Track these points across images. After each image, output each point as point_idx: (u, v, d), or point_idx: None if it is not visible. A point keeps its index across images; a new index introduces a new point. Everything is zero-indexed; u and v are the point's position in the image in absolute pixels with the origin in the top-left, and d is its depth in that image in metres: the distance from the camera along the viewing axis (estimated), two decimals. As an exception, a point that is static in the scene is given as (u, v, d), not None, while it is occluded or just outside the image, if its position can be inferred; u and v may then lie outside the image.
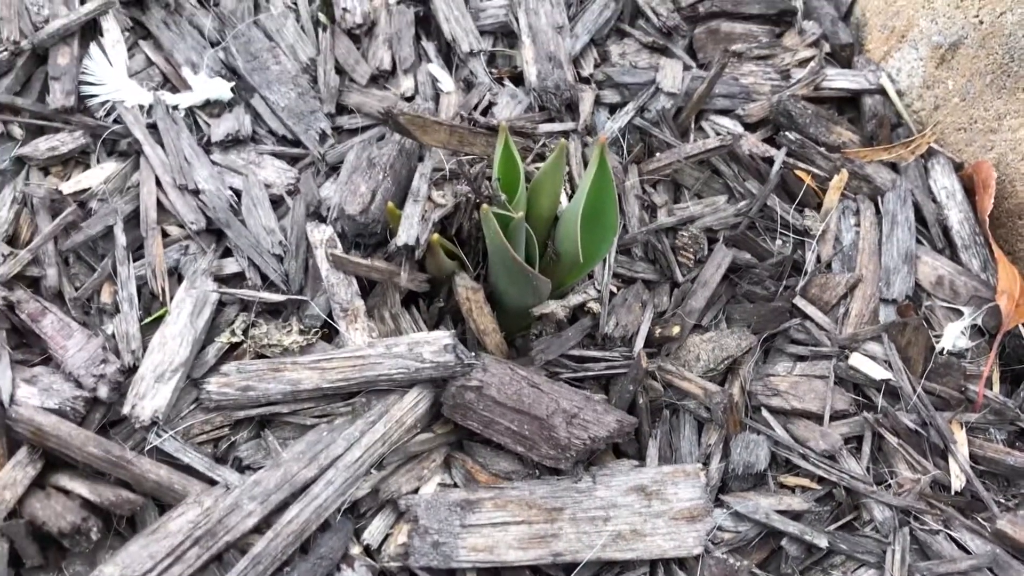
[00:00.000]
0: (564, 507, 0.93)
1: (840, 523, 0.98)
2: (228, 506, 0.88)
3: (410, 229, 0.96)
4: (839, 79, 1.24)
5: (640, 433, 1.01)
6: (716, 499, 0.98)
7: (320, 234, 1.01)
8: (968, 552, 0.95)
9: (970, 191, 1.16)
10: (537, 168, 1.08)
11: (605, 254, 1.01)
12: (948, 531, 0.96)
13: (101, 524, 0.86)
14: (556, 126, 1.14)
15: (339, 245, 1.00)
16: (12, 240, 1.01)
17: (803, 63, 1.26)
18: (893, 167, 1.19)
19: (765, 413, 1.03)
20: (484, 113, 1.15)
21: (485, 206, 0.88)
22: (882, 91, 1.24)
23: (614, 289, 1.08)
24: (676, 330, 1.05)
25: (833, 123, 1.19)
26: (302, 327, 0.99)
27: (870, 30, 1.29)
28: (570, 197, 1.09)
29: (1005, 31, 1.09)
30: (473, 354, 0.98)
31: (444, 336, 0.95)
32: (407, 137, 1.03)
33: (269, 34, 1.20)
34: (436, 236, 0.93)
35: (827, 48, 1.29)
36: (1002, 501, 1.00)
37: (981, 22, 1.12)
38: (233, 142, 1.11)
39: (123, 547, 0.86)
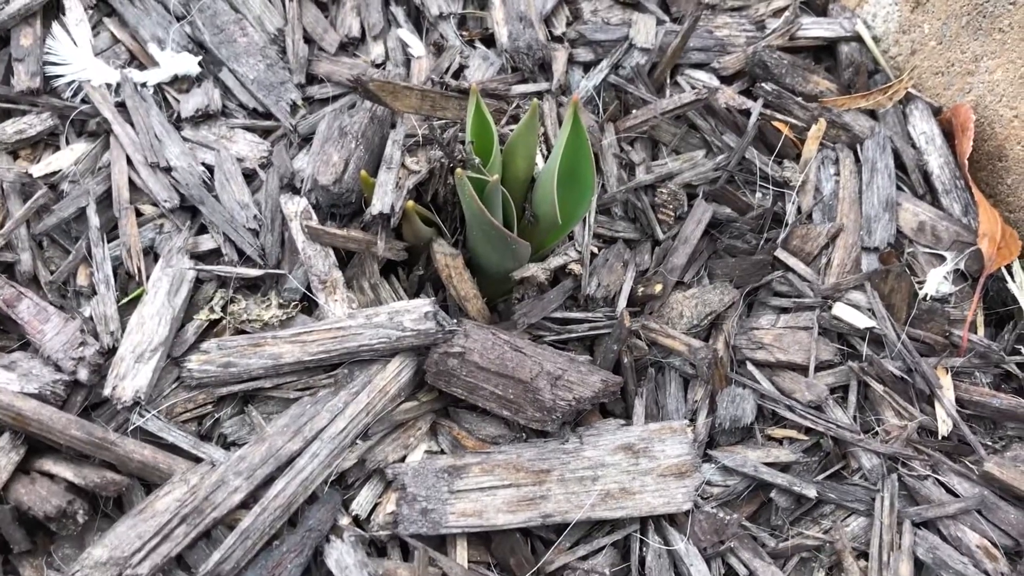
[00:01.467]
0: (552, 468, 0.93)
1: (828, 473, 0.98)
2: (214, 483, 0.88)
3: (384, 197, 0.95)
4: (814, 28, 1.22)
5: (626, 392, 1.01)
6: (704, 454, 0.98)
7: (294, 206, 1.00)
8: (956, 496, 0.95)
9: (949, 135, 1.15)
10: (512, 130, 1.06)
11: (583, 214, 1.00)
12: (936, 476, 0.97)
13: (87, 507, 0.86)
14: (530, 87, 1.13)
15: (314, 216, 0.99)
16: (-17, 226, 1.00)
17: (778, 13, 1.25)
18: (872, 114, 1.18)
19: (750, 366, 1.03)
20: (456, 76, 1.13)
21: (459, 170, 0.87)
22: (858, 38, 1.22)
23: (595, 249, 1.07)
24: (658, 288, 1.05)
25: (810, 72, 1.18)
26: (281, 301, 0.98)
27: (845, -24, 1.28)
28: (546, 158, 1.08)
29: (979, -29, 1.08)
30: (455, 320, 0.97)
31: (424, 304, 0.95)
32: (378, 104, 1.02)
33: (235, 5, 1.18)
34: (411, 203, 0.92)
35: (801, -3, 1.28)
36: (989, 443, 1.00)
37: (955, -37, 1.11)
38: (203, 117, 1.09)
39: (111, 528, 0.86)
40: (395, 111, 1.03)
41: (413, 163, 0.99)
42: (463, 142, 0.99)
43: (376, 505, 0.91)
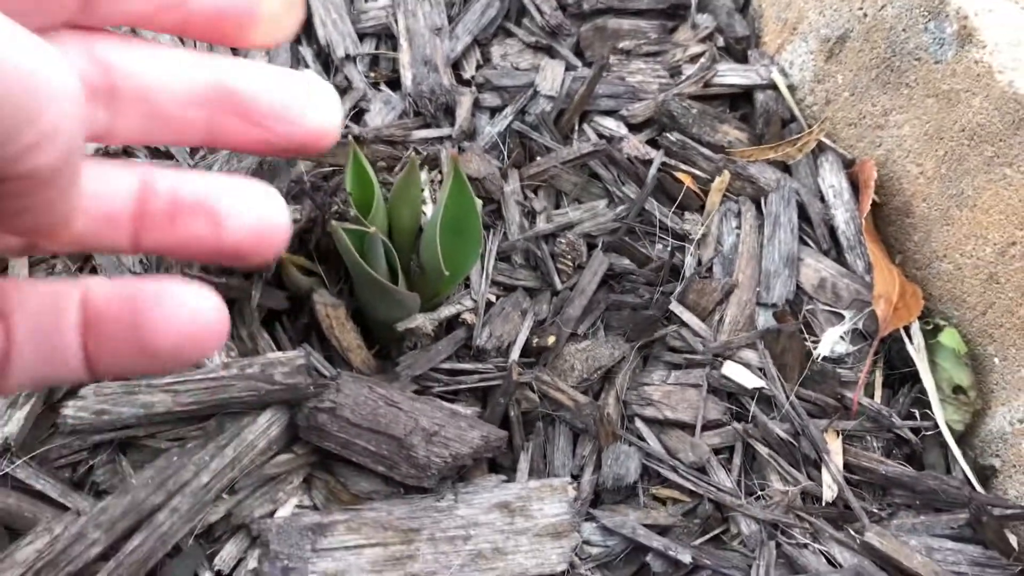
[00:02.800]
0: (422, 528, 0.92)
1: (708, 536, 0.96)
2: (73, 535, 0.87)
3: (260, 248, 0.94)
4: (730, 75, 1.21)
5: (513, 445, 1.00)
6: (588, 513, 0.97)
7: (176, 253, 0.99)
8: (835, 565, 0.94)
9: (859, 188, 1.13)
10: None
11: (471, 267, 0.99)
12: (817, 544, 0.95)
13: (-54, 556, 0.86)
14: (431, 132, 1.12)
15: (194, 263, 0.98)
16: None
17: (695, 59, 1.23)
18: (785, 166, 1.16)
19: (639, 423, 1.01)
20: (356, 120, 1.12)
21: (333, 223, 0.87)
22: (774, 86, 1.21)
23: (493, 297, 1.06)
24: (552, 340, 1.03)
25: (720, 122, 1.16)
26: (160, 346, 0.97)
27: (766, 22, 1.26)
28: (438, 207, 1.07)
29: (886, 25, 1.06)
30: (338, 371, 0.96)
31: (298, 356, 0.94)
32: (265, 150, 1.01)
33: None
34: (286, 255, 0.92)
35: (721, 42, 1.26)
36: (875, 511, 0.98)
37: (865, 15, 1.09)
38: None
39: (-32, 579, 0.86)
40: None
41: (294, 212, 0.98)
42: (343, 190, 0.98)
43: (240, 561, 0.90)
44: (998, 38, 0.96)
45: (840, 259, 1.10)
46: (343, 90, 1.15)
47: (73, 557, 0.86)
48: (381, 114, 1.12)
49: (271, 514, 0.92)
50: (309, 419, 0.93)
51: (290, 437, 0.95)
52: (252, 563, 0.89)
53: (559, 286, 1.07)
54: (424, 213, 1.04)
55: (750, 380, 1.00)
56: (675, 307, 1.05)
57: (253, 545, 0.91)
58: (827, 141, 1.16)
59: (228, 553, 0.90)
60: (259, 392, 0.92)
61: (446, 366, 1.02)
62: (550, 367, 1.04)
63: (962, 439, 1.04)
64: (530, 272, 1.09)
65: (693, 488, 0.97)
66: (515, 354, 1.03)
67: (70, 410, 0.93)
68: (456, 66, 1.19)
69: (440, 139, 1.11)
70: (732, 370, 1.01)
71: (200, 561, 0.89)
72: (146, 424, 0.93)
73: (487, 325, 1.03)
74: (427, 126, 1.13)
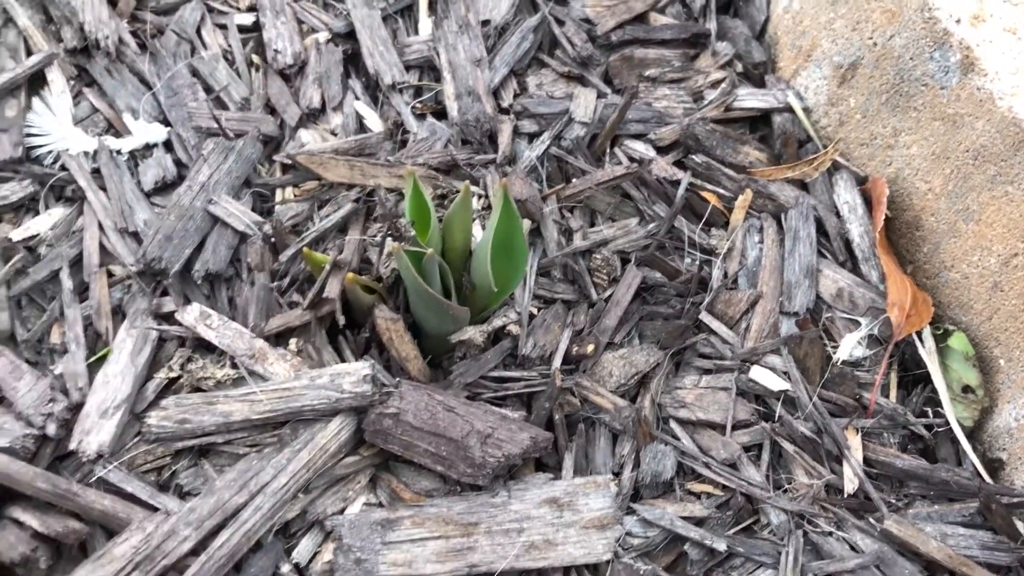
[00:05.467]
0: (480, 522, 1.01)
1: (740, 527, 1.05)
2: (166, 532, 0.96)
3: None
4: (749, 99, 1.30)
5: (558, 446, 1.08)
6: (628, 507, 1.05)
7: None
8: (857, 552, 1.02)
9: (872, 204, 1.22)
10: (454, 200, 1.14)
11: (517, 284, 1.08)
12: (841, 532, 1.03)
13: (51, 552, 0.95)
14: (477, 157, 1.21)
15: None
16: (-36, 288, 1.09)
17: (716, 84, 1.32)
18: (802, 184, 1.25)
19: (673, 424, 1.10)
20: (403, 146, 1.21)
21: (396, 244, 0.96)
22: (790, 109, 1.30)
23: (535, 310, 1.15)
24: (591, 348, 1.12)
25: (741, 143, 1.25)
26: (234, 360, 1.06)
27: (781, 48, 1.35)
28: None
29: (895, 53, 1.15)
30: (397, 380, 1.05)
31: (363, 367, 1.03)
32: (311, 176, 1.10)
33: (202, 76, 1.26)
34: (351, 275, 1.00)
35: (740, 68, 1.35)
36: (892, 501, 1.07)
37: (875, 44, 1.18)
38: (163, 186, 1.18)
39: (72, 573, 0.94)
40: (326, 181, 1.10)
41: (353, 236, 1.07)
42: (402, 215, 1.07)
43: (316, 554, 0.99)
44: (998, 67, 1.05)
45: (856, 270, 1.19)
46: (391, 120, 1.24)
47: (167, 552, 0.95)
48: (429, 143, 1.21)
49: (342, 511, 1.01)
50: (375, 424, 1.01)
51: (357, 440, 1.04)
52: (326, 556, 0.98)
53: (595, 298, 1.16)
54: (474, 235, 1.13)
55: (775, 383, 1.09)
56: (704, 317, 1.14)
57: (327, 539, 1.00)
58: (841, 160, 1.25)
59: (304, 547, 0.99)
60: (330, 400, 1.01)
61: (494, 374, 1.10)
62: (589, 373, 1.13)
63: (971, 435, 1.13)
64: (568, 286, 1.18)
65: (725, 483, 1.05)
66: (557, 362, 1.12)
67: (153, 419, 1.02)
68: (495, 95, 1.28)
69: (486, 164, 1.20)
70: (759, 374, 1.10)
71: (280, 555, 0.98)
72: (224, 432, 1.02)
73: (531, 336, 1.12)
74: (474, 152, 1.21)
